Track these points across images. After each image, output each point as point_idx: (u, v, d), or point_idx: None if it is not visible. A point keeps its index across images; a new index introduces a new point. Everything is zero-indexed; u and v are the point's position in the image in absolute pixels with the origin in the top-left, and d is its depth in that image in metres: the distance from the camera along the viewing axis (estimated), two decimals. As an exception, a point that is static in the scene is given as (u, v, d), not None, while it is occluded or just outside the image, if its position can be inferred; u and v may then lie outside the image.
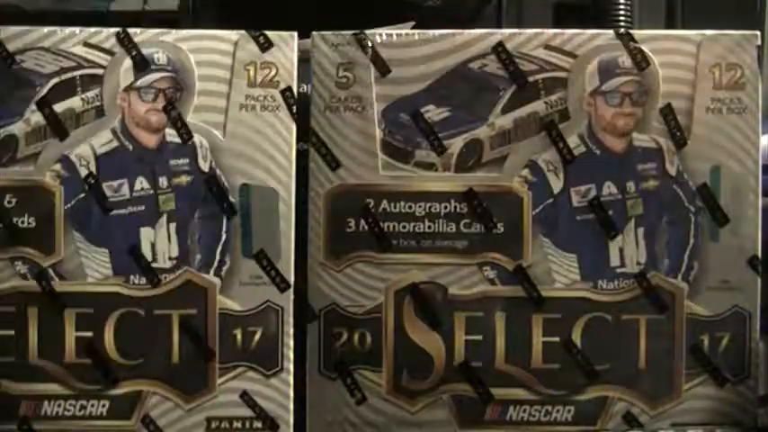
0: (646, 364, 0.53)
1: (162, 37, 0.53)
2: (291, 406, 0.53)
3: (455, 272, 0.53)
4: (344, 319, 0.53)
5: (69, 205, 0.52)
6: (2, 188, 0.52)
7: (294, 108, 0.53)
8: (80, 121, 0.52)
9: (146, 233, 0.52)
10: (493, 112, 0.53)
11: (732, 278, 0.53)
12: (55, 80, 0.52)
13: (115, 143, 0.52)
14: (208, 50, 0.53)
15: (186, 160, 0.53)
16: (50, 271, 0.52)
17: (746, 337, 0.53)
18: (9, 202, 0.52)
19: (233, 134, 0.53)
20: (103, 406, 0.52)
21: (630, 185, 0.53)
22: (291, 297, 0.53)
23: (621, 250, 0.53)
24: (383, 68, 0.53)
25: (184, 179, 0.53)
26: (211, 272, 0.53)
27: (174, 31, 0.53)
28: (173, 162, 0.53)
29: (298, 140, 0.53)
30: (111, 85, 0.52)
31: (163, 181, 0.53)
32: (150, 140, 0.53)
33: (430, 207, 0.53)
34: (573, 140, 0.53)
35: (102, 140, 0.52)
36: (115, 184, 0.52)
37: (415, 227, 0.53)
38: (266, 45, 0.53)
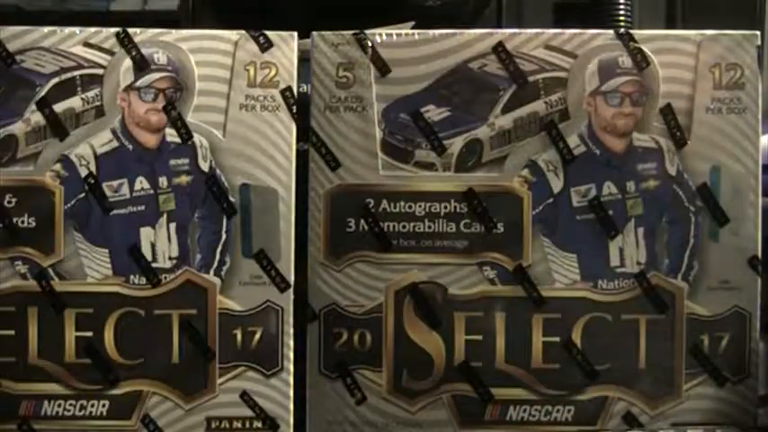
0: (646, 364, 0.53)
1: (162, 37, 0.53)
2: (291, 406, 0.53)
3: (455, 272, 0.53)
4: (344, 319, 0.53)
5: (69, 205, 0.52)
6: (2, 188, 0.52)
7: (294, 108, 0.53)
8: (80, 120, 0.52)
9: (146, 233, 0.52)
10: (493, 112, 0.53)
11: (732, 278, 0.53)
12: (55, 80, 0.52)
13: (115, 143, 0.52)
14: (208, 50, 0.53)
15: (186, 160, 0.53)
16: (50, 271, 0.52)
17: (746, 337, 0.53)
18: (9, 202, 0.52)
19: (233, 134, 0.53)
20: (103, 406, 0.52)
21: (630, 185, 0.53)
22: (291, 297, 0.53)
23: (621, 250, 0.53)
24: (383, 68, 0.53)
25: (184, 179, 0.53)
26: (211, 272, 0.53)
27: (174, 31, 0.53)
28: (173, 162, 0.53)
29: (298, 140, 0.53)
30: (110, 85, 0.52)
31: (163, 181, 0.52)
32: (150, 140, 0.53)
33: (430, 207, 0.53)
34: (573, 140, 0.53)
35: (102, 140, 0.52)
36: (115, 183, 0.52)
37: (414, 227, 0.53)
38: (266, 45, 0.53)
